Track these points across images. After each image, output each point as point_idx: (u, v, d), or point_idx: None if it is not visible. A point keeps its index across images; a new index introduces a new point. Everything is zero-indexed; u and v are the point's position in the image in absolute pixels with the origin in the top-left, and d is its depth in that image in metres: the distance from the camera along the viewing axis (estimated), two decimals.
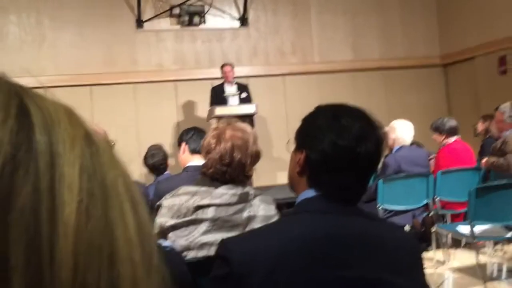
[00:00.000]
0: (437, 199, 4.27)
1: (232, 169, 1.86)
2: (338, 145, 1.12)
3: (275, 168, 7.23)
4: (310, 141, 1.16)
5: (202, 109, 6.63)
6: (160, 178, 3.61)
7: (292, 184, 1.24)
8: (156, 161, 3.84)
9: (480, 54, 7.36)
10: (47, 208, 0.21)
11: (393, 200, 3.98)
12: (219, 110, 5.73)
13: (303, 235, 1.06)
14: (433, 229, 4.10)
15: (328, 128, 1.14)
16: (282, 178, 7.00)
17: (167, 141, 4.46)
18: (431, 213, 4.31)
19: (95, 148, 0.24)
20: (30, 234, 0.21)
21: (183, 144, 2.77)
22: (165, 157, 3.90)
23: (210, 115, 5.87)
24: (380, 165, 4.36)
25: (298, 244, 1.04)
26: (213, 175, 1.87)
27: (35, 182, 0.21)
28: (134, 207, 0.26)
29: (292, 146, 1.27)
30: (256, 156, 1.96)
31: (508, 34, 6.79)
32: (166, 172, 3.82)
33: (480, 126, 5.59)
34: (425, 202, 4.26)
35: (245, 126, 2.04)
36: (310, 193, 1.16)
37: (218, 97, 6.19)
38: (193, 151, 2.74)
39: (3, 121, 0.21)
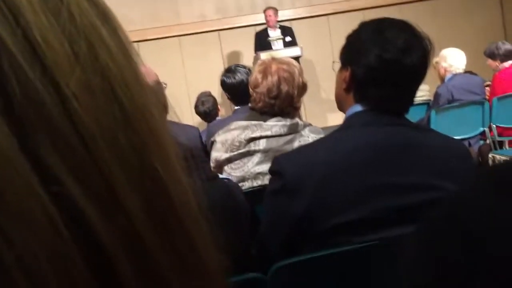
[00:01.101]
0: (493, 126, 4.15)
1: (280, 101, 1.90)
2: (383, 58, 1.13)
3: (325, 110, 7.21)
4: (355, 57, 1.18)
5: (248, 56, 6.63)
6: (212, 124, 3.70)
7: (340, 103, 1.27)
8: (207, 108, 3.93)
9: None
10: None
11: (447, 130, 3.90)
12: (264, 55, 5.71)
13: (352, 146, 1.10)
14: (490, 156, 4.02)
15: (372, 42, 1.15)
16: (333, 119, 6.97)
17: (215, 90, 4.53)
18: (487, 141, 4.21)
19: None
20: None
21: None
22: (215, 103, 3.98)
23: (255, 61, 5.87)
24: (432, 96, 4.27)
25: (348, 154, 1.09)
26: (262, 109, 1.92)
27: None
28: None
29: (338, 67, 1.29)
30: (303, 88, 1.99)
31: None
32: (217, 118, 3.91)
33: None
34: (481, 130, 4.15)
35: (290, 59, 2.06)
36: (357, 108, 1.19)
37: (262, 42, 6.16)
38: None
39: None
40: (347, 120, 1.19)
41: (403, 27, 1.18)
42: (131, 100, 0.22)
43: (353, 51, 1.19)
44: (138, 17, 6.74)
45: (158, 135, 0.23)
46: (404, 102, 1.19)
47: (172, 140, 0.24)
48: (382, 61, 1.13)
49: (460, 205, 0.39)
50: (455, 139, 1.27)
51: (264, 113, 1.93)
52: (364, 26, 1.21)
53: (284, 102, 1.91)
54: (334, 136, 1.17)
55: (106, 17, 0.23)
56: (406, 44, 1.14)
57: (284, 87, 1.90)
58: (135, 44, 0.27)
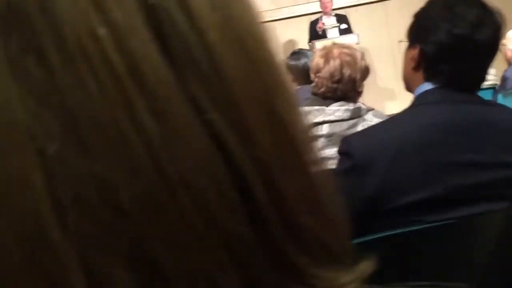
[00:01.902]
0: None
1: (343, 85, 1.89)
2: (453, 34, 1.11)
3: (383, 98, 7.07)
4: (423, 34, 1.16)
5: (303, 45, 6.60)
6: None
7: (408, 83, 1.26)
8: None
9: None
10: None
11: None
12: (320, 44, 5.67)
13: (424, 123, 1.09)
14: None
15: (441, 18, 1.13)
16: (391, 108, 6.83)
17: None
18: None
19: None
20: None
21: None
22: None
23: (312, 50, 5.84)
24: (499, 81, 4.10)
25: (419, 131, 1.07)
26: (325, 94, 1.92)
27: None
28: None
29: (405, 47, 1.27)
30: (365, 71, 1.97)
31: None
32: None
33: None
34: None
35: (351, 44, 2.05)
36: (426, 86, 1.17)
37: (317, 30, 6.11)
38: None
39: None
40: (417, 99, 1.18)
41: (473, 1, 1.15)
42: (259, 50, 0.25)
43: (422, 28, 1.17)
44: None
45: (285, 86, 0.26)
46: (475, 79, 1.16)
47: (294, 98, 0.27)
48: (453, 37, 1.11)
49: None
50: None
51: (327, 98, 1.93)
52: (432, 3, 1.19)
53: (347, 86, 1.90)
54: (404, 114, 1.16)
55: None
56: (477, 19, 1.11)
57: (347, 71, 1.89)
58: None
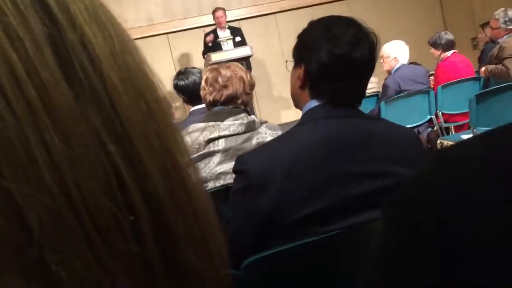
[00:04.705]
0: (440, 113, 4.34)
1: (232, 86, 1.94)
2: (334, 53, 1.18)
3: (278, 107, 7.29)
4: (307, 54, 1.22)
5: (198, 58, 6.62)
6: None
7: (296, 100, 1.31)
8: None
9: None
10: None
11: (397, 119, 4.05)
12: (215, 56, 5.72)
13: (312, 139, 1.14)
14: (438, 142, 4.20)
15: (322, 38, 1.19)
16: (287, 116, 7.08)
17: (167, 94, 4.52)
18: (435, 128, 4.39)
19: None
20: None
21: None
22: (169, 106, 3.96)
23: (207, 62, 5.87)
24: (381, 89, 4.41)
25: (309, 147, 1.13)
26: (215, 99, 1.95)
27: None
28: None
29: (291, 65, 1.33)
30: (251, 81, 2.03)
31: None
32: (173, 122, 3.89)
33: (481, 34, 5.55)
34: (428, 118, 4.33)
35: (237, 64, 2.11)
36: (313, 103, 1.23)
37: (212, 43, 6.16)
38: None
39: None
40: (305, 116, 1.24)
41: (350, 22, 1.23)
42: (153, 98, 0.28)
43: (305, 49, 1.23)
44: None
45: (174, 129, 0.30)
46: (356, 94, 1.25)
47: (181, 138, 0.31)
48: (333, 56, 1.18)
49: (419, 187, 0.42)
50: (406, 127, 1.34)
51: (215, 104, 1.96)
52: (313, 25, 1.25)
53: (235, 86, 1.94)
54: (293, 131, 1.21)
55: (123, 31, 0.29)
56: (354, 39, 1.19)
57: (233, 73, 1.96)
58: None
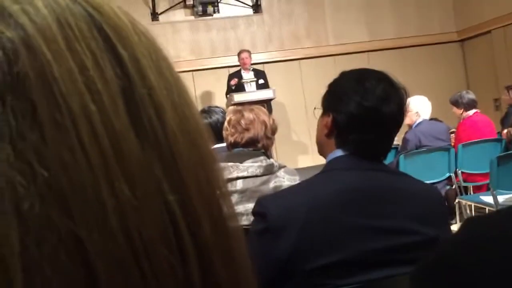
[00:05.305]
0: (459, 172, 4.29)
1: (254, 129, 1.95)
2: (363, 105, 1.18)
3: (296, 152, 7.30)
4: (336, 104, 1.23)
5: (220, 96, 6.72)
6: None
7: (321, 147, 1.32)
8: None
9: (496, 27, 7.29)
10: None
11: (415, 174, 4.01)
12: (238, 97, 5.80)
13: (334, 189, 1.14)
14: (456, 201, 4.14)
15: (353, 90, 1.20)
16: (304, 161, 7.07)
17: None
18: (454, 186, 4.34)
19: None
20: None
21: None
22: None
23: (229, 102, 5.94)
24: (400, 142, 4.40)
25: (330, 197, 1.12)
26: (235, 141, 1.96)
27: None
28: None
29: (319, 113, 1.34)
30: (273, 125, 2.05)
31: None
32: None
33: (505, 96, 5.55)
34: (447, 175, 4.28)
35: (260, 107, 2.14)
36: (338, 153, 1.23)
37: (235, 84, 6.26)
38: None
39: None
40: (329, 164, 1.23)
41: (381, 77, 1.24)
42: (203, 145, 0.29)
43: (335, 98, 1.24)
44: None
45: (220, 177, 0.31)
46: (382, 148, 1.24)
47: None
48: (363, 109, 1.19)
49: (454, 251, 0.42)
50: (430, 185, 1.32)
51: (236, 146, 1.97)
52: (345, 75, 1.27)
53: (257, 130, 1.96)
54: (316, 179, 1.20)
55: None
56: (384, 93, 1.20)
57: (255, 116, 1.98)
58: None
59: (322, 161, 1.30)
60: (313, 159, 6.55)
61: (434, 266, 0.41)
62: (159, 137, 0.25)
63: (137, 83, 0.25)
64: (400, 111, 1.23)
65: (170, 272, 0.24)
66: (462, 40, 8.10)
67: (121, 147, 0.23)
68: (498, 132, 4.67)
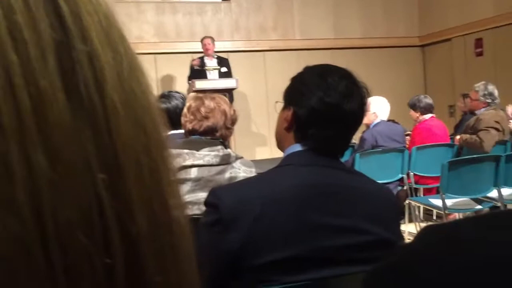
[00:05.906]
0: (411, 174, 4.40)
1: (214, 118, 1.92)
2: (325, 101, 1.17)
3: (254, 144, 7.31)
4: (298, 98, 1.21)
5: (182, 82, 6.62)
6: None
7: (279, 140, 1.29)
8: None
9: (457, 35, 7.50)
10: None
11: (369, 174, 4.07)
12: (199, 84, 5.73)
13: (290, 184, 1.12)
14: (406, 202, 4.24)
15: (315, 85, 1.19)
16: (262, 153, 7.09)
17: None
18: (405, 187, 4.44)
19: None
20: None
21: None
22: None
23: (190, 88, 5.87)
24: (357, 141, 4.46)
25: (285, 192, 1.10)
26: (193, 128, 1.93)
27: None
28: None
29: (280, 107, 1.32)
30: (234, 116, 2.02)
31: (485, 16, 6.93)
32: None
33: (461, 104, 5.73)
34: (399, 176, 4.38)
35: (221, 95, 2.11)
36: (296, 147, 1.21)
37: (197, 70, 6.18)
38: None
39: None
40: (287, 159, 1.21)
41: (345, 74, 1.23)
42: (153, 129, 0.25)
43: (297, 92, 1.22)
44: None
45: (169, 166, 0.27)
46: (341, 144, 1.24)
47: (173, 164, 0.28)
48: (324, 104, 1.17)
49: (410, 260, 0.41)
50: (384, 185, 1.33)
51: (194, 133, 1.94)
52: (308, 70, 1.25)
53: (216, 118, 1.93)
54: (272, 173, 1.18)
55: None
56: (346, 90, 1.19)
57: (216, 104, 1.94)
58: None
59: (280, 154, 1.29)
60: (271, 152, 6.58)
61: (389, 273, 0.40)
62: (96, 107, 0.22)
63: (76, 39, 0.21)
64: (361, 109, 1.22)
65: (87, 266, 0.20)
66: (423, 46, 8.30)
67: (45, 110, 0.20)
68: (451, 138, 4.81)
